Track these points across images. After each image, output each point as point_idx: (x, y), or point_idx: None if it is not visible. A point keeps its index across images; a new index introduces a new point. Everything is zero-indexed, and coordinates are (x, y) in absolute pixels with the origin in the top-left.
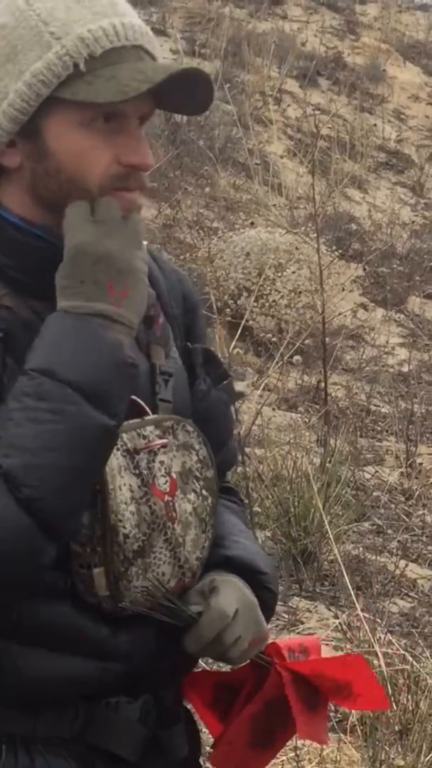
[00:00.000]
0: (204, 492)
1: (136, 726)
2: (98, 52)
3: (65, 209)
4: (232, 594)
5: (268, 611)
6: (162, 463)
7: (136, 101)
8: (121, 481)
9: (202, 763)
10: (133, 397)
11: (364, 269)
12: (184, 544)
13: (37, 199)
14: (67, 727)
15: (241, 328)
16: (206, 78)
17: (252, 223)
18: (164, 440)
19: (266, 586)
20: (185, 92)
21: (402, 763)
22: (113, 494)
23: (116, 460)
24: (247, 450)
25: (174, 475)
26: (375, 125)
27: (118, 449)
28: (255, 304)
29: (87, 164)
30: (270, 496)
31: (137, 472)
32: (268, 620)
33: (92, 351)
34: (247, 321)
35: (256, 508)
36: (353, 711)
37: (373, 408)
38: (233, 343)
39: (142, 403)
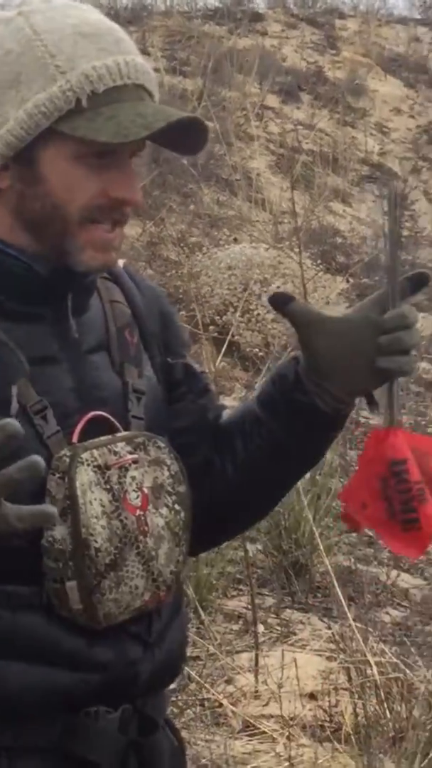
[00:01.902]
0: (176, 506)
1: (116, 735)
2: (101, 89)
3: None
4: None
5: None
6: (133, 478)
7: (132, 142)
8: (91, 496)
9: None
10: (105, 413)
11: (348, 281)
12: (157, 557)
13: (20, 221)
14: (47, 737)
15: (226, 343)
16: (202, 125)
17: (235, 239)
18: (135, 456)
19: None
20: (180, 134)
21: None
22: (84, 509)
23: (87, 475)
24: None
25: (145, 490)
26: (357, 139)
27: (88, 465)
28: (241, 319)
29: (74, 193)
30: None
31: (108, 487)
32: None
33: None
34: (233, 336)
35: None
36: (347, 720)
37: (361, 420)
38: (219, 358)
39: (113, 420)
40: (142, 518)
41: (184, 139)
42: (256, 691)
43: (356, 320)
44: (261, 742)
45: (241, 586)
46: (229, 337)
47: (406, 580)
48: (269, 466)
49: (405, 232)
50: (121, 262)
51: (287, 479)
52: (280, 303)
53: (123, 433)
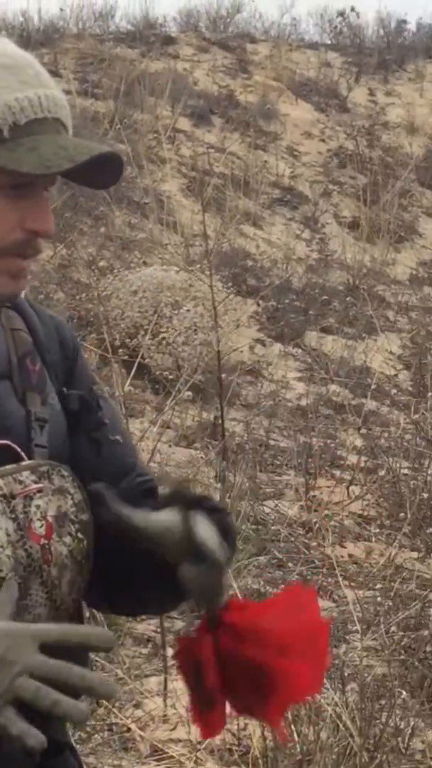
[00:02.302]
0: (79, 534)
1: (22, 758)
2: (22, 121)
3: None
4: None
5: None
6: (38, 507)
7: (48, 175)
8: None
9: None
10: (9, 442)
11: (258, 304)
12: (60, 585)
13: None
14: None
15: (136, 366)
16: (119, 160)
17: (146, 262)
18: (40, 485)
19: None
20: (94, 168)
21: None
22: None
23: None
24: None
25: (50, 519)
26: (268, 162)
27: None
28: (151, 341)
29: None
30: None
31: (13, 516)
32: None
33: None
34: (143, 359)
35: None
36: (255, 744)
37: (271, 442)
38: (129, 381)
39: (17, 448)
40: (47, 547)
41: (99, 173)
42: (165, 716)
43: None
44: (168, 767)
45: None
46: (139, 359)
47: None
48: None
49: (317, 255)
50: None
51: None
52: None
53: (27, 462)
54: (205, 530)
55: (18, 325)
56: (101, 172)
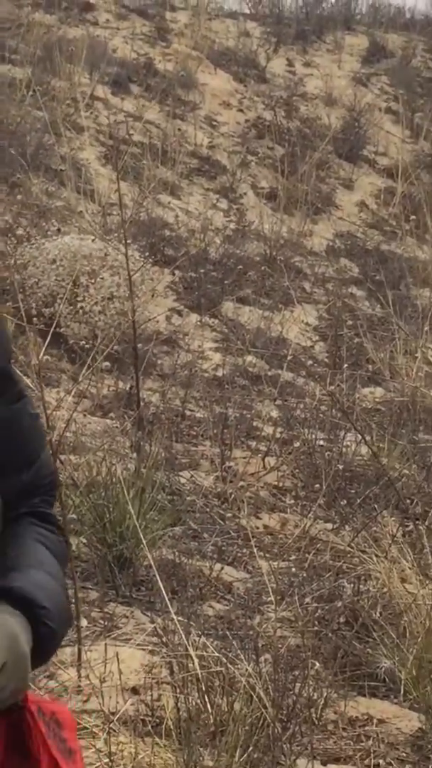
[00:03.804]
0: None
1: None
2: None
3: None
4: (2, 642)
5: (46, 645)
6: None
7: None
8: None
9: None
10: None
11: (174, 274)
12: None
13: None
14: None
15: (51, 334)
16: None
17: (59, 230)
18: None
19: (44, 621)
20: None
21: (211, 762)
22: None
23: None
24: (61, 457)
25: None
26: (186, 131)
27: None
28: (68, 310)
29: None
30: (85, 503)
31: None
32: (46, 654)
33: None
34: (59, 328)
35: (72, 515)
36: (169, 715)
37: (187, 413)
38: (44, 350)
39: None
40: None
41: None
42: (78, 686)
43: None
44: (81, 738)
45: None
46: (55, 328)
47: (229, 573)
48: None
49: (234, 226)
50: None
51: None
52: None
53: None
54: None
55: None
56: None
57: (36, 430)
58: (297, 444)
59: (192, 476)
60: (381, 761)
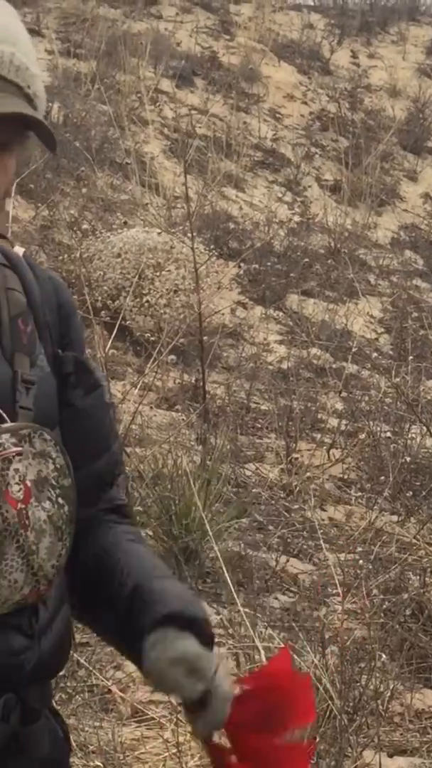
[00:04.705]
0: (60, 500)
1: None
2: None
3: None
4: (223, 670)
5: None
6: (17, 470)
7: None
8: None
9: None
10: None
11: (240, 267)
12: (38, 551)
13: None
14: None
15: (117, 327)
16: (37, 121)
17: (125, 223)
18: (19, 448)
19: (212, 634)
20: (38, 128)
21: None
22: None
23: None
24: (127, 449)
25: (28, 483)
26: (250, 124)
27: None
28: (133, 303)
29: None
30: (151, 495)
31: None
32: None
33: None
34: (125, 321)
35: (138, 507)
36: None
37: (252, 405)
38: (110, 343)
39: None
40: (24, 512)
41: (43, 135)
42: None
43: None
44: (149, 728)
45: None
46: (120, 321)
47: (295, 565)
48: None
49: (298, 218)
50: (20, 251)
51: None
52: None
53: (8, 425)
54: (223, 682)
55: (13, 284)
56: (42, 134)
57: (111, 419)
58: (362, 436)
59: (257, 468)
60: None
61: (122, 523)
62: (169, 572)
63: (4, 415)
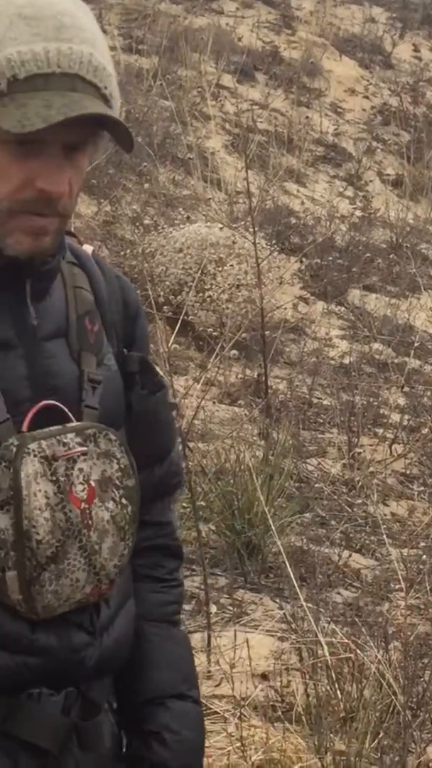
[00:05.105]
0: (123, 500)
1: (58, 717)
2: (22, 75)
3: None
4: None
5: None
6: (81, 470)
7: (47, 131)
8: (36, 488)
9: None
10: (57, 403)
11: (301, 262)
12: (101, 551)
13: None
14: None
15: (179, 323)
16: (116, 121)
17: (188, 218)
18: (84, 448)
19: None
20: (114, 128)
21: (343, 747)
22: (27, 500)
23: (32, 466)
24: (190, 444)
25: (92, 483)
26: (311, 119)
27: (35, 455)
28: (195, 298)
29: None
30: (213, 490)
31: (54, 478)
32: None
33: None
34: (187, 316)
35: (200, 502)
36: (299, 701)
37: (314, 400)
38: (173, 338)
39: (65, 409)
40: (87, 511)
41: (118, 135)
42: (209, 672)
43: None
44: (213, 723)
45: (194, 566)
46: (182, 316)
47: (357, 560)
48: None
49: (360, 213)
50: (89, 249)
51: None
52: None
53: (74, 424)
54: None
55: (81, 282)
56: (119, 133)
57: (171, 422)
58: (425, 431)
59: (319, 463)
60: None
61: (165, 583)
62: (189, 671)
63: (70, 414)
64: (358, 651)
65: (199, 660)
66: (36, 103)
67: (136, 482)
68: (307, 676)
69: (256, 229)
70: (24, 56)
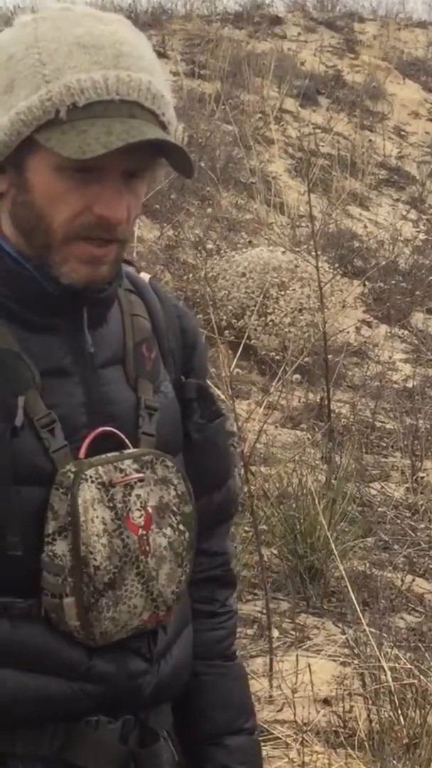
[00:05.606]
0: (181, 527)
1: (116, 745)
2: (81, 102)
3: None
4: None
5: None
6: (138, 496)
7: (106, 158)
8: (93, 514)
9: None
10: (113, 429)
11: (364, 285)
12: (158, 577)
13: (15, 226)
14: (45, 745)
15: (242, 346)
16: (176, 147)
17: (250, 242)
18: (141, 474)
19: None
20: (172, 156)
21: None
22: (84, 526)
23: (90, 492)
24: (252, 468)
25: (150, 509)
26: (374, 142)
27: (92, 482)
28: (258, 322)
29: (56, 206)
30: (276, 514)
31: (111, 505)
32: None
33: None
34: (250, 340)
35: (262, 526)
36: (361, 726)
37: (378, 424)
38: (235, 362)
39: (122, 436)
40: (145, 538)
41: (177, 160)
42: (270, 696)
43: None
44: (275, 748)
45: (256, 591)
46: (245, 340)
47: (421, 585)
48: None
49: (424, 236)
50: (146, 277)
51: None
52: None
53: (131, 451)
54: None
55: (138, 310)
56: (178, 160)
57: (229, 450)
58: None
59: (382, 487)
60: None
61: (219, 618)
62: (245, 704)
63: (127, 441)
64: (422, 677)
65: (261, 684)
66: (96, 130)
67: (194, 509)
68: (370, 702)
69: (318, 252)
70: (83, 84)
